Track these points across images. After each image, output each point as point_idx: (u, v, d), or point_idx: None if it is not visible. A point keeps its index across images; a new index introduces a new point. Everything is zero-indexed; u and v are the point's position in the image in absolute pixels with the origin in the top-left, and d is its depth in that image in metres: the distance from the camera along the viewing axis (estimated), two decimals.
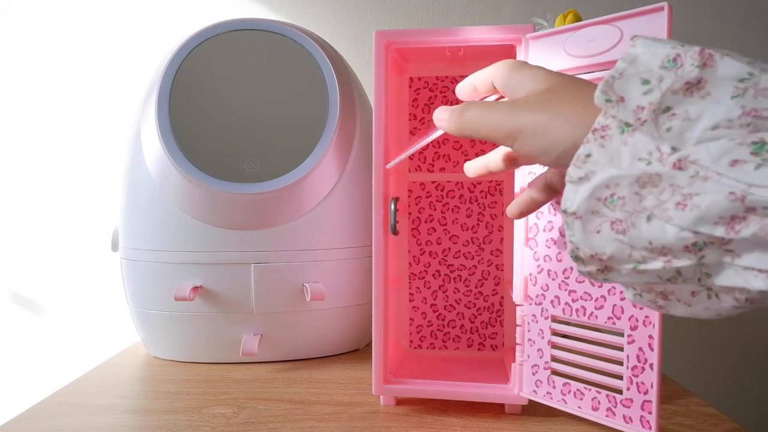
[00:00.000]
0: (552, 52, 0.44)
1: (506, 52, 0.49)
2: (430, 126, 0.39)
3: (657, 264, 0.26)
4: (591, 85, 0.30)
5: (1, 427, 0.47)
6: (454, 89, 0.40)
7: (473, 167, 0.42)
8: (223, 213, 0.59)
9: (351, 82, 0.64)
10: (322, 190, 0.60)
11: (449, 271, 0.61)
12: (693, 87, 0.25)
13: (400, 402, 0.51)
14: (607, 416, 0.42)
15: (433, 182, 0.60)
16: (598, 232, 0.27)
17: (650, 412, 0.40)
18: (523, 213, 0.41)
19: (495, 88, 0.36)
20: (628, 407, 0.41)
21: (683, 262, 0.25)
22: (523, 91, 0.33)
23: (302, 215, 0.60)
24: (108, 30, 0.88)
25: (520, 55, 0.46)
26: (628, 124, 0.26)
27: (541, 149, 0.30)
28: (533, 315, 0.47)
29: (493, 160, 0.41)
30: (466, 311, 0.61)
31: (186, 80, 0.60)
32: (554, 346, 0.46)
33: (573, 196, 0.28)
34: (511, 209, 0.41)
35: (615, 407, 0.42)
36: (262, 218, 0.59)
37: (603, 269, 0.29)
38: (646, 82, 0.26)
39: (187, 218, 0.59)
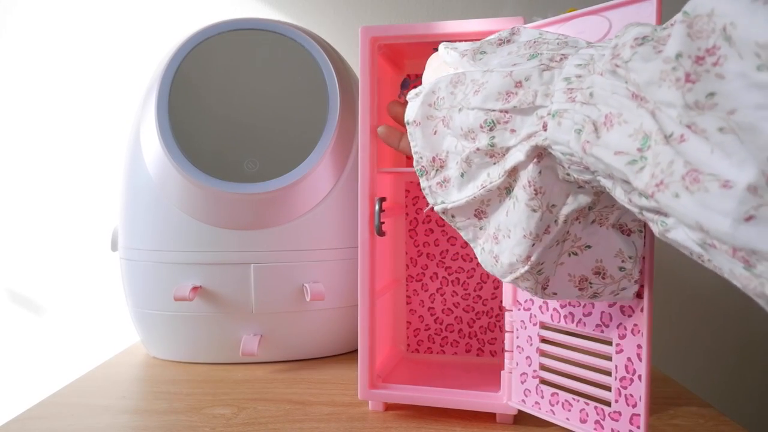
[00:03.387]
0: None
1: None
2: None
3: (471, 146, 0.33)
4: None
5: (1, 427, 0.47)
6: None
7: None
8: (223, 213, 0.59)
9: (351, 82, 0.64)
10: (321, 190, 0.60)
11: (447, 273, 0.60)
12: (504, 42, 0.35)
13: (390, 407, 0.50)
14: (595, 429, 0.41)
15: None
16: (435, 133, 0.36)
17: (639, 427, 0.38)
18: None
19: None
20: (617, 420, 0.39)
21: (483, 141, 0.32)
22: None
23: (302, 215, 0.60)
24: (108, 30, 0.88)
25: None
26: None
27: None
28: (522, 321, 0.46)
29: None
30: (465, 315, 0.60)
31: (186, 80, 0.60)
32: (543, 353, 0.44)
33: (411, 107, 0.37)
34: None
35: (603, 420, 0.40)
36: (262, 218, 0.59)
37: (442, 182, 0.36)
38: (474, 41, 0.37)
39: (187, 218, 0.59)
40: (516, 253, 0.33)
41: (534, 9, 0.85)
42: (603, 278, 0.35)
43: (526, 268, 0.33)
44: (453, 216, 0.36)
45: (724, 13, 0.20)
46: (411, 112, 0.37)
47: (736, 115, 0.19)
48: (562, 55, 0.30)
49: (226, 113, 0.60)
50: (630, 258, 0.35)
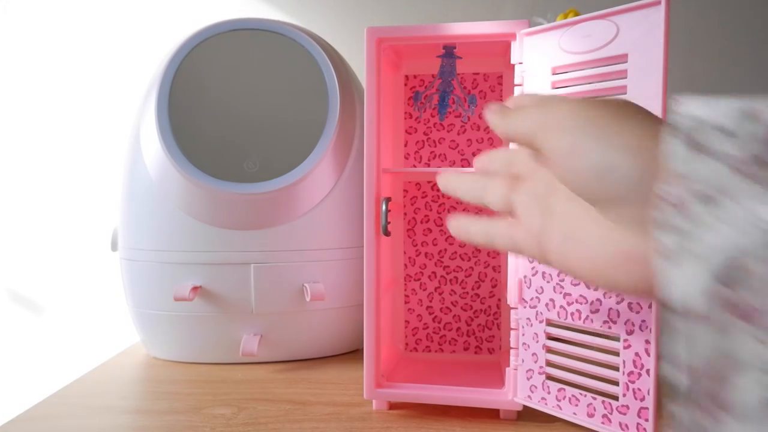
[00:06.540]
0: (547, 48, 0.44)
1: (501, 48, 0.49)
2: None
3: None
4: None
5: (1, 427, 0.47)
6: None
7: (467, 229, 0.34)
8: (222, 213, 0.59)
9: (351, 82, 0.64)
10: (322, 190, 0.60)
11: (445, 272, 0.60)
12: None
13: (393, 406, 0.50)
14: (602, 423, 0.41)
15: (428, 182, 0.60)
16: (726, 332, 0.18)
17: (647, 420, 0.39)
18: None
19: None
20: (625, 414, 0.40)
21: None
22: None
23: (302, 215, 0.60)
24: (108, 29, 0.88)
25: (515, 52, 0.46)
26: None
27: (594, 165, 0.24)
28: (528, 318, 0.46)
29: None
30: (463, 314, 0.60)
31: (186, 80, 0.60)
32: (549, 350, 0.44)
33: (682, 281, 0.18)
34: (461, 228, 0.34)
35: (611, 414, 0.41)
36: (262, 218, 0.59)
37: (714, 398, 0.18)
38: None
39: (187, 218, 0.59)
40: None
41: (534, 10, 0.85)
42: None
43: None
44: None
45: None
46: (687, 292, 0.18)
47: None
48: None
49: (226, 113, 0.60)
50: None
